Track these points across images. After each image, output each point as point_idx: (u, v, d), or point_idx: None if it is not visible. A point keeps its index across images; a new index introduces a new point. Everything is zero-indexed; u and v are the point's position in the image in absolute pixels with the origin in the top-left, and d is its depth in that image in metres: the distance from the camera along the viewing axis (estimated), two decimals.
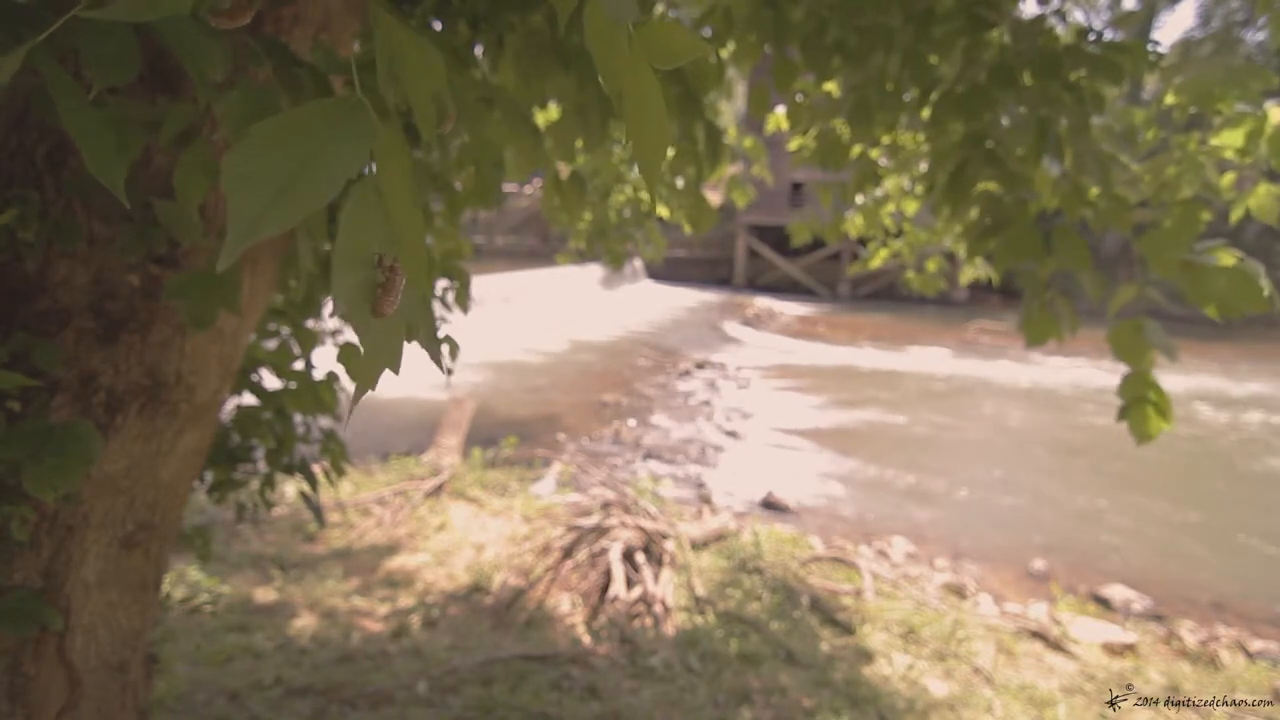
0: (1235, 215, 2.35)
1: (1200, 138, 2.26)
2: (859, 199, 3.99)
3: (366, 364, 0.55)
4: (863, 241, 4.96)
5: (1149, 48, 2.06)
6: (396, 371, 0.58)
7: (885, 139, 3.19)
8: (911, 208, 4.28)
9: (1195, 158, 2.21)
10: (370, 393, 0.56)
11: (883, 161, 3.60)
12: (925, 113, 2.38)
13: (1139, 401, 1.95)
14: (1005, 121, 2.12)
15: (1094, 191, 2.07)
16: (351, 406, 0.56)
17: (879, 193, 4.19)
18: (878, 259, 4.91)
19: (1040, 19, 2.15)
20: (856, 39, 2.31)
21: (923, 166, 3.52)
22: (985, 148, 2.15)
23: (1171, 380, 12.99)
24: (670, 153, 3.10)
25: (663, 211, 4.66)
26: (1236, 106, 2.06)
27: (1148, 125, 2.35)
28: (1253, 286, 1.71)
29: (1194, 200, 2.17)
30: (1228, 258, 1.78)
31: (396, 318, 0.55)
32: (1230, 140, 2.13)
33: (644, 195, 4.61)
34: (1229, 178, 2.29)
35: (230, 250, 0.44)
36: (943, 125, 2.34)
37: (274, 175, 0.46)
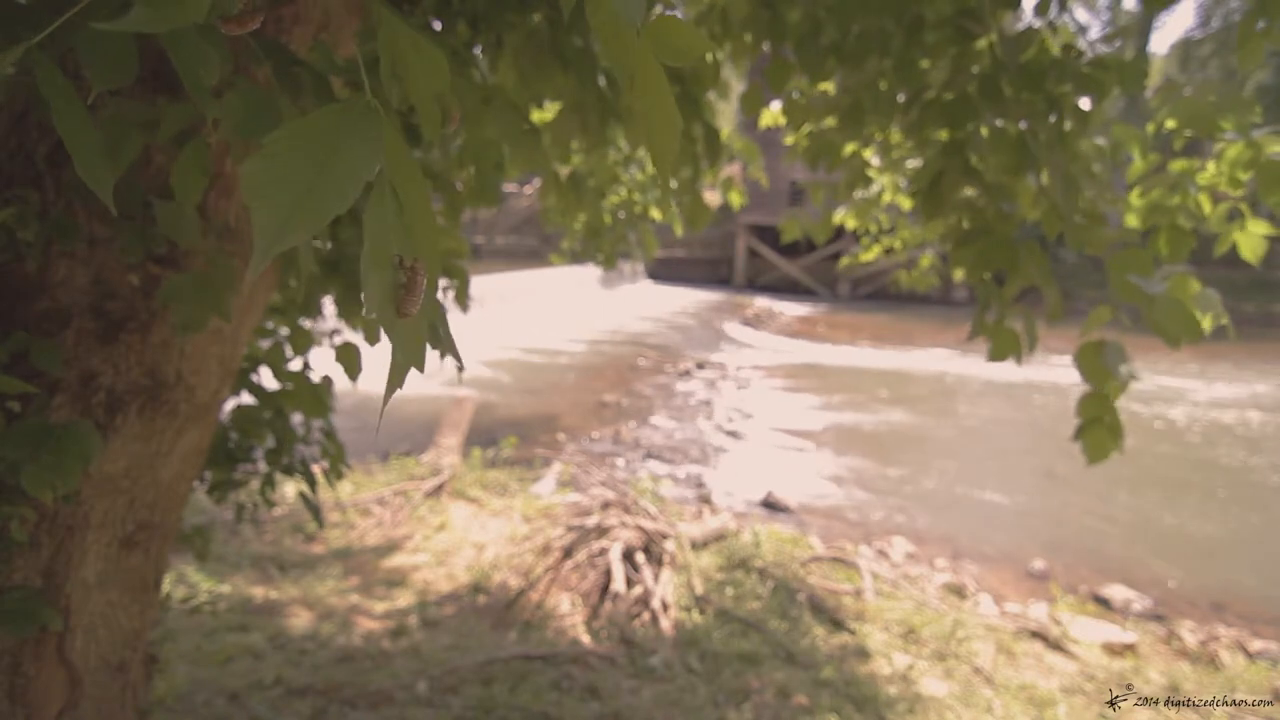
0: (1221, 248, 2.35)
1: (1200, 164, 2.26)
2: (852, 195, 4.00)
3: (396, 365, 0.56)
4: (860, 240, 4.97)
5: (1143, 61, 2.07)
6: (422, 370, 0.59)
7: (878, 136, 3.20)
8: (906, 204, 4.28)
9: (1184, 184, 2.22)
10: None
11: (875, 161, 3.61)
12: (913, 114, 2.38)
13: (1095, 422, 1.96)
14: (985, 133, 2.13)
15: (1082, 204, 2.08)
16: (383, 405, 0.58)
17: (874, 188, 4.19)
18: (870, 254, 4.92)
19: (1031, 32, 2.15)
20: (852, 41, 2.31)
21: (911, 163, 3.53)
22: (964, 159, 2.16)
23: (1174, 380, 13.00)
24: None
25: (655, 214, 4.67)
26: (1226, 135, 2.08)
27: (1141, 147, 2.35)
28: (1191, 320, 1.77)
29: (1185, 229, 2.19)
30: (1187, 286, 1.81)
31: (419, 317, 0.56)
32: (1222, 170, 2.14)
33: (637, 197, 4.62)
34: (1222, 209, 2.29)
35: (259, 261, 0.46)
36: (926, 131, 2.34)
37: (293, 184, 0.47)
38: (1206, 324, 1.89)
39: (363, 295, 0.52)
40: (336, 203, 0.47)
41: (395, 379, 0.56)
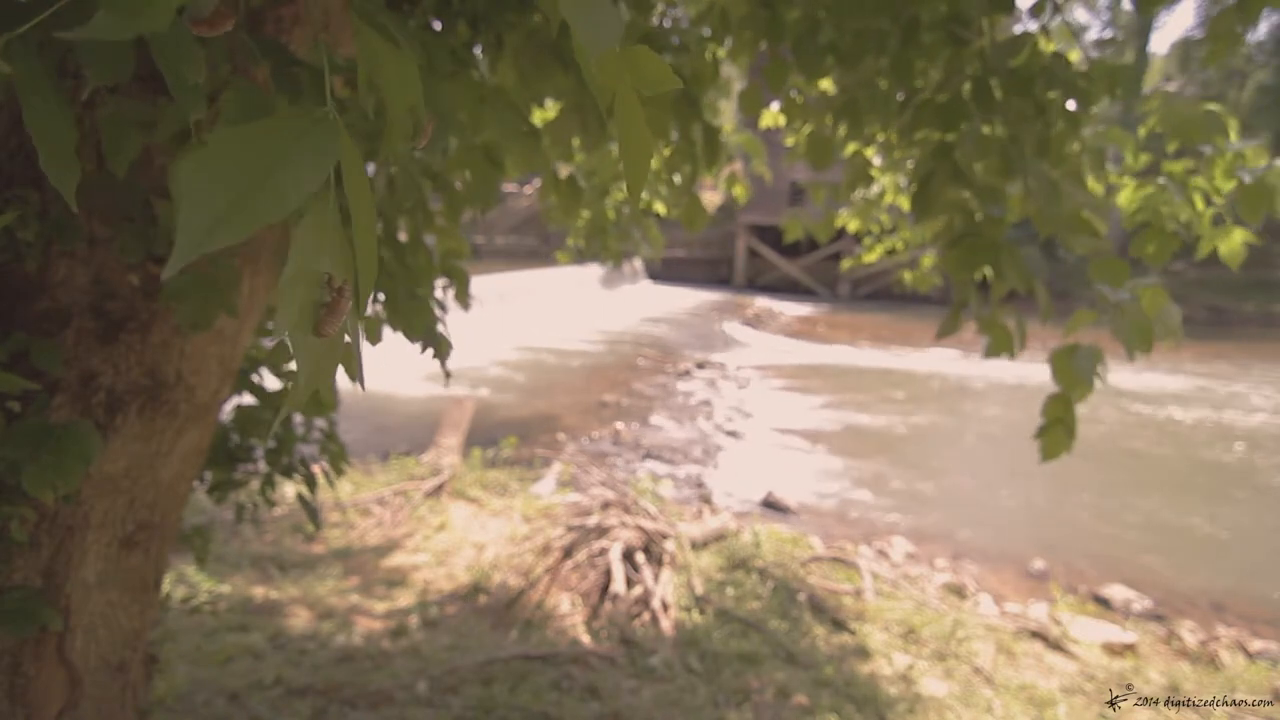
0: (1203, 251, 2.41)
1: (1191, 167, 2.30)
2: (853, 195, 4.00)
3: (298, 386, 0.54)
4: (860, 241, 4.97)
5: (1140, 64, 2.11)
6: (328, 394, 0.58)
7: (880, 136, 3.21)
8: (907, 204, 4.28)
9: (1170, 187, 2.26)
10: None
11: (876, 160, 3.61)
12: (906, 115, 2.40)
13: (1057, 423, 1.98)
14: (975, 136, 2.15)
15: (1070, 205, 2.11)
16: (274, 425, 0.57)
17: (875, 189, 4.19)
18: (873, 254, 4.92)
19: (1023, 36, 2.16)
20: (849, 41, 2.32)
21: (912, 164, 3.55)
22: (953, 160, 2.18)
23: (1173, 380, 13.00)
24: (667, 151, 3.10)
25: (660, 209, 4.66)
26: (1207, 147, 2.12)
27: (1133, 151, 2.38)
28: (1146, 333, 1.85)
29: (1171, 232, 2.23)
30: (1158, 298, 1.85)
31: (336, 338, 0.55)
32: (1209, 178, 2.19)
33: (641, 195, 4.62)
34: (1208, 214, 2.33)
35: (176, 261, 0.43)
36: (918, 133, 2.36)
37: (229, 186, 0.45)
38: (1166, 341, 1.95)
39: (277, 311, 0.50)
40: (273, 212, 0.45)
41: (295, 400, 0.54)
